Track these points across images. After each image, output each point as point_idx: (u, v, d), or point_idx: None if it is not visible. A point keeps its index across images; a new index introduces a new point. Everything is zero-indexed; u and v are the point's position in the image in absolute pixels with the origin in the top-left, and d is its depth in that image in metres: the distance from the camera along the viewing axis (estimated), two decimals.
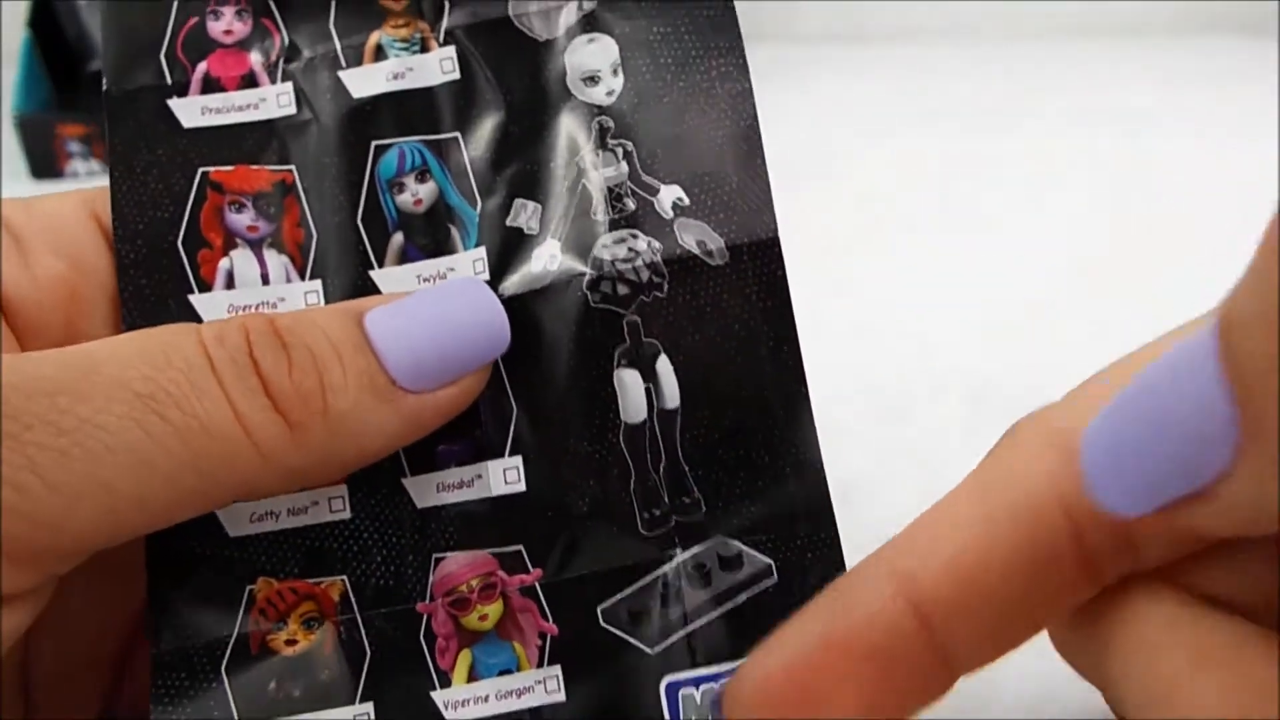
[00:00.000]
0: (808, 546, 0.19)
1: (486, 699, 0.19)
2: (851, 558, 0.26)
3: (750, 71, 0.20)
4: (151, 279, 0.20)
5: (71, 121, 0.49)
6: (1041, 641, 0.23)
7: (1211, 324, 0.11)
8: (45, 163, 0.49)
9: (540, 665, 0.19)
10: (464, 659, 0.19)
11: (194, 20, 0.21)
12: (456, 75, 0.21)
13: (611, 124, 0.20)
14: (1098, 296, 0.40)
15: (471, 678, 0.19)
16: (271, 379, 0.17)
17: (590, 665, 0.19)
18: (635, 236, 0.20)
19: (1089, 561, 0.14)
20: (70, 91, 0.52)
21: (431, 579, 0.20)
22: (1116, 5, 0.68)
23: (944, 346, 0.36)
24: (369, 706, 0.19)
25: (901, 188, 0.47)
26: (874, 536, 0.27)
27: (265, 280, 0.20)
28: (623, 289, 0.20)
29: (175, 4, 0.21)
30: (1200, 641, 0.14)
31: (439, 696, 0.19)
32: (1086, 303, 0.39)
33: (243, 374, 0.17)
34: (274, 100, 0.21)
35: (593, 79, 0.20)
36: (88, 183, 0.50)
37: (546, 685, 0.19)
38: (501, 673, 0.19)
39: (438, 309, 0.19)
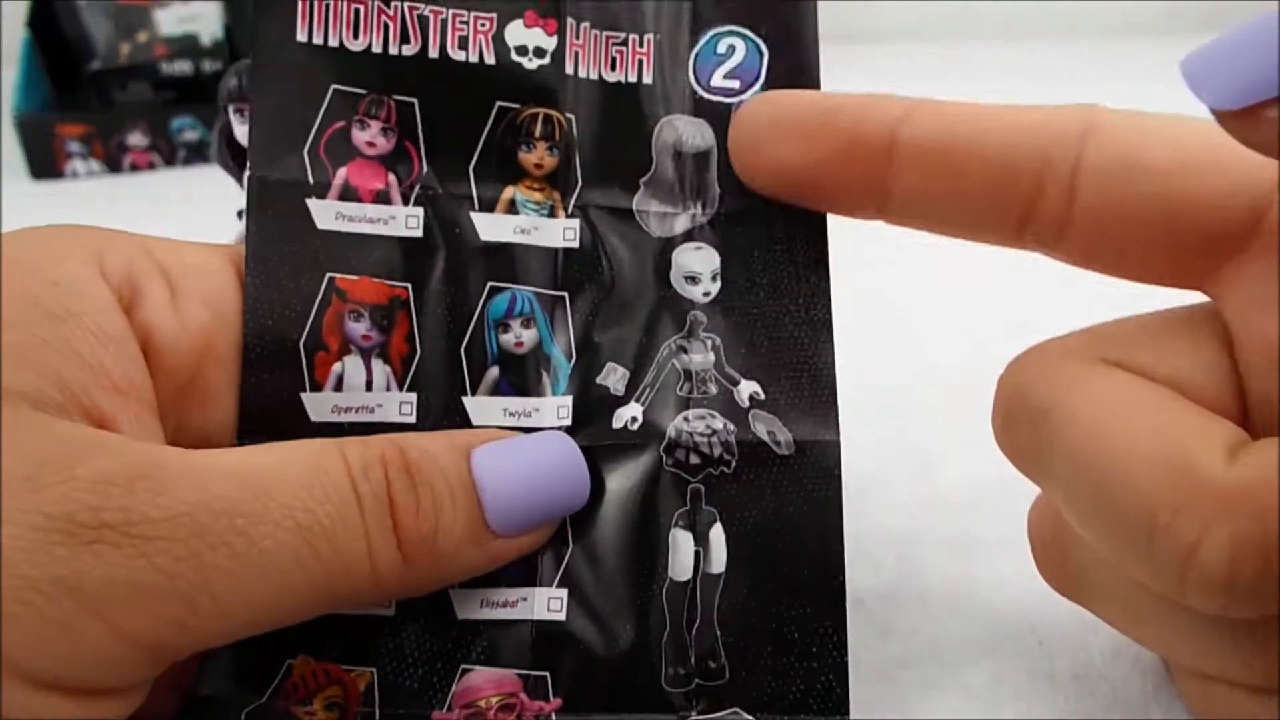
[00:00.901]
0: None
1: None
2: (849, 556, 0.26)
3: (833, 304, 0.23)
4: (272, 374, 0.21)
5: (71, 121, 0.49)
6: (1043, 644, 0.23)
7: None
8: (45, 163, 0.49)
9: None
10: None
11: (340, 124, 0.22)
12: (576, 245, 0.23)
13: (704, 319, 0.23)
14: (1099, 297, 0.40)
15: None
16: (402, 521, 0.19)
17: None
18: (714, 417, 0.22)
19: (1026, 214, 0.18)
20: (70, 91, 0.52)
21: (454, 689, 0.21)
22: (1116, 5, 0.69)
23: (944, 346, 0.36)
24: None
25: None
26: (873, 536, 0.27)
27: (369, 387, 0.22)
28: (695, 459, 0.22)
29: (326, 104, 0.22)
30: (1103, 386, 0.17)
31: None
32: (1087, 303, 0.39)
33: (382, 515, 0.18)
34: (403, 220, 0.22)
35: (693, 279, 0.23)
36: (87, 183, 0.49)
37: None
38: None
39: (534, 463, 0.21)
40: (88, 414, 0.18)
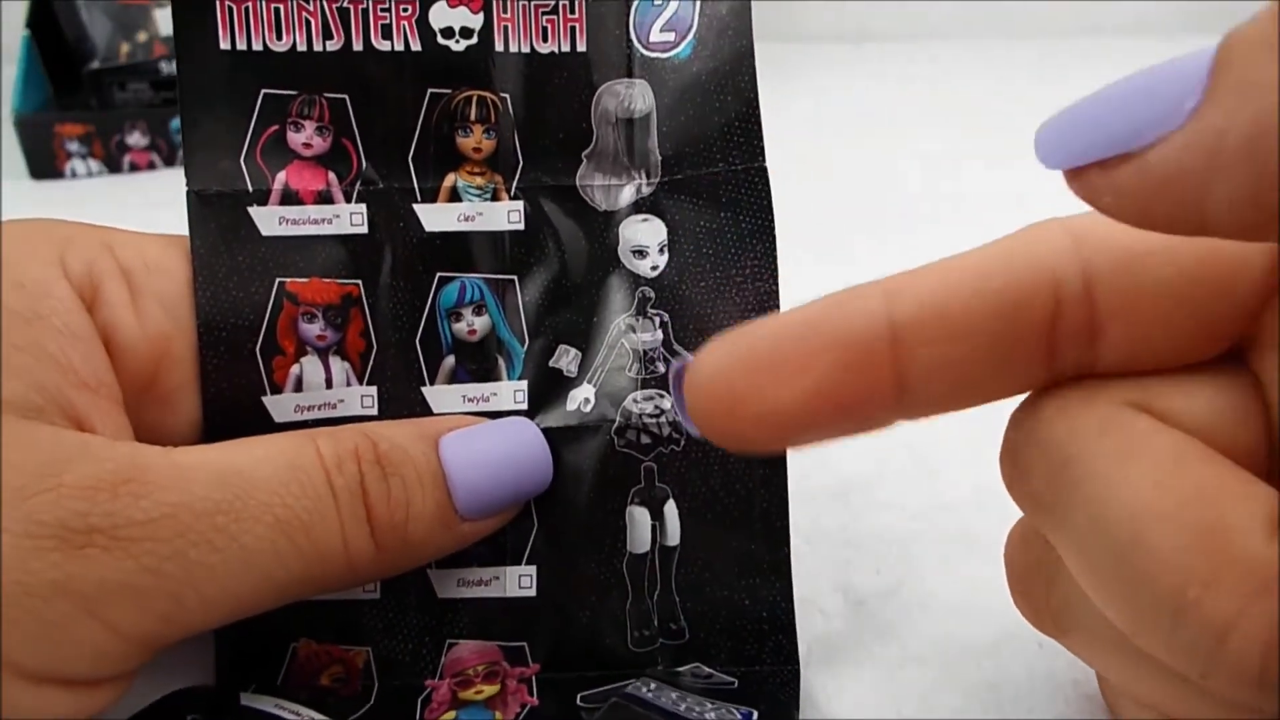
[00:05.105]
0: (771, 675, 0.22)
1: None
2: (849, 556, 0.26)
3: (779, 275, 0.22)
4: (232, 382, 0.21)
5: (70, 121, 0.49)
6: (1043, 645, 0.23)
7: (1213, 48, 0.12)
8: (44, 162, 0.49)
9: None
10: (449, 715, 0.21)
11: (274, 128, 0.22)
12: (521, 226, 0.23)
13: (652, 295, 0.23)
14: None
15: None
16: (375, 511, 0.19)
17: None
18: (662, 396, 0.22)
19: (1054, 342, 0.16)
20: (69, 91, 0.52)
21: (443, 660, 0.22)
22: (1116, 5, 0.69)
23: None
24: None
25: (903, 185, 0.47)
26: (874, 536, 0.27)
27: (329, 384, 0.22)
28: (645, 439, 0.22)
29: (257, 109, 0.22)
30: (1131, 437, 0.15)
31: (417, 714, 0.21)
32: None
33: (356, 506, 0.19)
34: (347, 218, 0.22)
35: (641, 253, 0.23)
36: (86, 182, 0.50)
37: None
38: None
39: (499, 449, 0.21)
40: (65, 414, 0.18)
